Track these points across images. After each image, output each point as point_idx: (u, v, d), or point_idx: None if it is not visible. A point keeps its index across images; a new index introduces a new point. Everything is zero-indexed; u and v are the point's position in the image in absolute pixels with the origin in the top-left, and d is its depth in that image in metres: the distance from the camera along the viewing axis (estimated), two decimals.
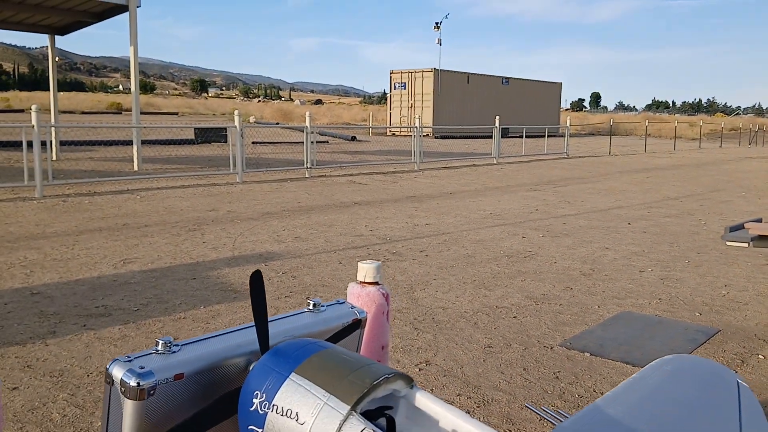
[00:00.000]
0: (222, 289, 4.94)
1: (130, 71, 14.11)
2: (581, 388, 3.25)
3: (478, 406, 3.03)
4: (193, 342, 1.02)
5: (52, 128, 14.91)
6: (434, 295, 4.91)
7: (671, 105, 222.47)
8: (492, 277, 5.50)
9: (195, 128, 23.09)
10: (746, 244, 4.28)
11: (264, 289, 1.05)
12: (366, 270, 1.20)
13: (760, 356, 3.74)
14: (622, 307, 4.69)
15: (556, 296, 4.95)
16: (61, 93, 52.27)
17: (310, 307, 1.18)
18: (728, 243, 4.34)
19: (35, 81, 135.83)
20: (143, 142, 15.30)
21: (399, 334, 3.97)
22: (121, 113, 50.02)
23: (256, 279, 1.01)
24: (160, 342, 0.98)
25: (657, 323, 4.33)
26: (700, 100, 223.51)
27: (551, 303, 4.76)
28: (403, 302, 4.69)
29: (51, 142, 13.72)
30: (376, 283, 1.21)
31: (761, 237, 4.30)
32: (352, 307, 1.19)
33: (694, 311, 4.63)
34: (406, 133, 33.25)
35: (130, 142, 15.18)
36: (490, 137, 20.16)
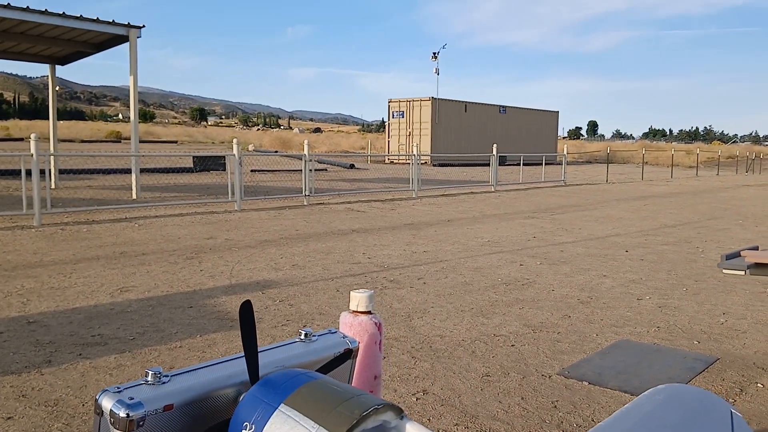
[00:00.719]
0: (218, 317, 4.93)
1: (129, 100, 14.21)
2: (579, 417, 3.23)
3: None
4: (183, 372, 1.02)
5: (51, 157, 14.97)
6: (432, 323, 4.90)
7: (668, 133, 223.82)
8: (490, 304, 5.49)
9: (194, 156, 23.19)
10: (743, 272, 4.28)
11: (254, 319, 1.06)
12: (358, 299, 1.20)
13: (759, 385, 3.73)
14: (620, 336, 4.68)
15: (554, 324, 4.93)
16: (61, 122, 52.59)
17: (302, 336, 1.18)
18: (725, 271, 4.34)
19: (35, 110, 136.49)
20: (142, 171, 15.37)
21: (396, 363, 3.95)
22: (120, 141, 50.24)
23: (246, 309, 1.02)
24: (150, 372, 0.98)
25: (655, 351, 4.32)
26: (697, 128, 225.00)
27: (549, 331, 4.75)
28: (401, 330, 4.67)
29: (50, 170, 13.77)
30: (369, 312, 1.21)
31: (758, 265, 4.30)
32: (344, 336, 1.19)
33: (693, 339, 4.61)
34: (404, 161, 33.40)
35: (128, 171, 15.24)
36: (488, 165, 20.26)
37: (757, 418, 3.26)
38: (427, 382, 3.67)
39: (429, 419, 3.19)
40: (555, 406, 3.37)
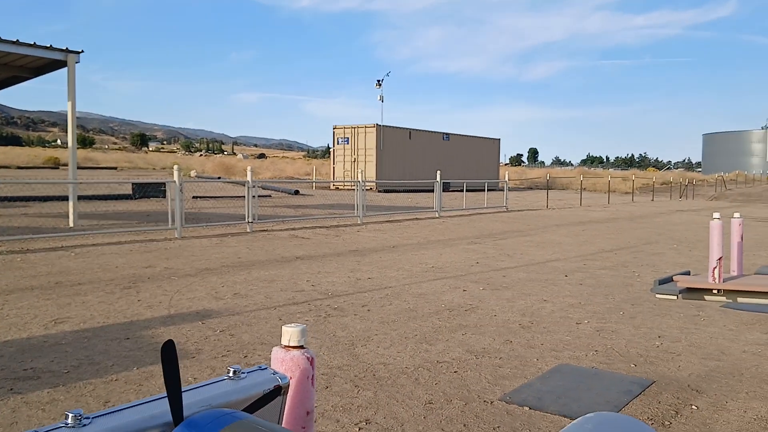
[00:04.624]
0: (156, 349, 4.79)
1: (67, 125, 13.85)
2: None
3: None
4: (105, 414, 0.99)
5: None
6: (375, 350, 4.88)
7: (605, 160, 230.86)
8: (433, 331, 5.50)
9: (133, 183, 22.69)
10: (675, 297, 4.42)
11: (177, 359, 1.03)
12: (290, 334, 1.19)
13: (693, 407, 3.83)
14: (560, 360, 4.75)
15: (496, 350, 4.97)
16: None
17: (230, 374, 1.15)
18: (658, 295, 4.47)
19: None
20: (80, 198, 14.92)
21: (339, 392, 3.91)
22: (58, 168, 48.82)
23: (169, 348, 0.99)
24: (70, 415, 0.95)
25: (594, 375, 4.40)
26: (633, 155, 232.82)
27: (491, 357, 4.78)
28: (344, 359, 4.63)
29: None
30: (301, 347, 1.20)
31: (690, 289, 4.45)
32: (275, 373, 1.17)
33: (630, 362, 4.72)
34: (349, 187, 33.45)
35: (66, 198, 14.78)
36: (432, 191, 20.45)
37: None
38: (370, 411, 3.64)
39: None
40: None
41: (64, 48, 13.28)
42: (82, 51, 13.46)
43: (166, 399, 1.00)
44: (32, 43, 12.85)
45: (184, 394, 1.03)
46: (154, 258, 9.39)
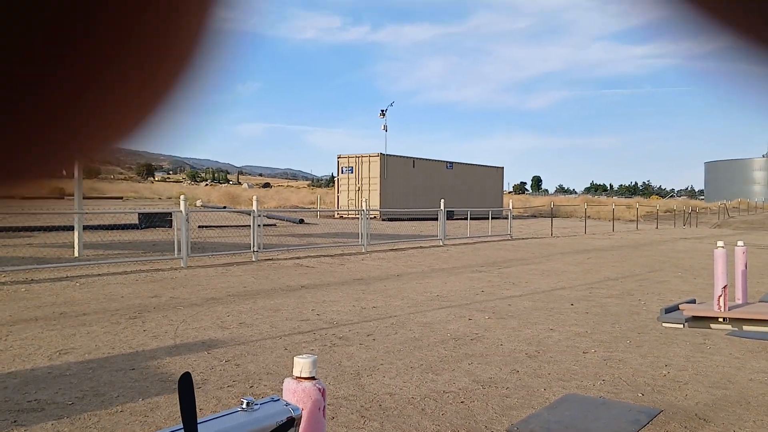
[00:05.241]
0: (162, 379, 4.79)
1: None
2: None
3: None
4: None
5: None
6: (381, 380, 4.86)
7: (609, 188, 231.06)
8: (439, 360, 5.49)
9: (139, 213, 22.78)
10: (681, 325, 4.42)
11: (193, 391, 1.05)
12: (302, 365, 1.21)
13: None
14: (567, 389, 4.73)
15: (502, 379, 4.96)
16: None
17: (244, 405, 1.17)
18: (664, 324, 4.47)
19: None
20: (85, 228, 14.99)
21: (345, 423, 3.90)
22: (63, 198, 49.06)
23: (185, 381, 1.01)
24: None
25: (601, 405, 4.38)
26: (636, 183, 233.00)
27: (498, 386, 4.77)
28: (350, 389, 4.62)
29: None
30: (313, 378, 1.21)
31: (696, 318, 4.45)
32: (287, 404, 1.18)
33: (637, 392, 4.70)
34: (353, 216, 33.50)
35: (71, 228, 14.86)
36: (436, 219, 20.50)
37: None
38: None
39: None
40: None
41: None
42: None
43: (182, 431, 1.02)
44: None
45: (199, 426, 1.05)
46: (160, 287, 9.41)
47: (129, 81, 0.29)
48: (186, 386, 1.01)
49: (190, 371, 1.01)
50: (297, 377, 1.20)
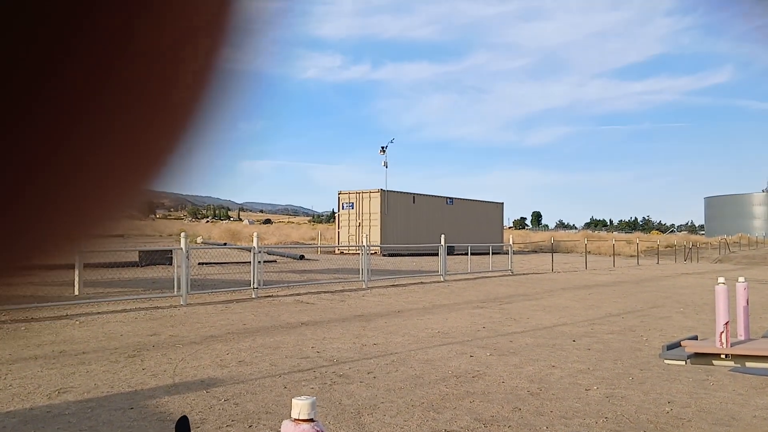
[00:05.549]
0: (160, 419, 4.75)
1: None
2: None
3: None
4: None
5: None
6: (382, 419, 4.82)
7: (609, 223, 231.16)
8: (440, 398, 5.44)
9: (140, 251, 22.77)
10: (683, 362, 4.39)
11: None
12: (300, 407, 1.21)
13: None
14: (569, 427, 4.68)
15: (504, 417, 4.91)
16: None
17: None
18: (666, 361, 4.45)
19: None
20: (86, 266, 14.98)
21: None
22: None
23: (182, 425, 1.01)
24: None
25: None
26: (636, 218, 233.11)
27: (500, 425, 4.72)
28: (350, 428, 4.58)
29: None
30: (311, 420, 1.21)
31: (697, 354, 4.43)
32: None
33: (640, 429, 4.65)
34: (354, 252, 33.48)
35: (71, 266, 14.83)
36: (437, 255, 20.48)
37: None
38: None
39: None
40: None
41: None
42: None
43: None
44: None
45: None
46: (159, 326, 9.37)
47: (137, 141, 0.30)
48: (183, 430, 1.01)
49: (187, 413, 1.00)
50: (295, 419, 1.20)
